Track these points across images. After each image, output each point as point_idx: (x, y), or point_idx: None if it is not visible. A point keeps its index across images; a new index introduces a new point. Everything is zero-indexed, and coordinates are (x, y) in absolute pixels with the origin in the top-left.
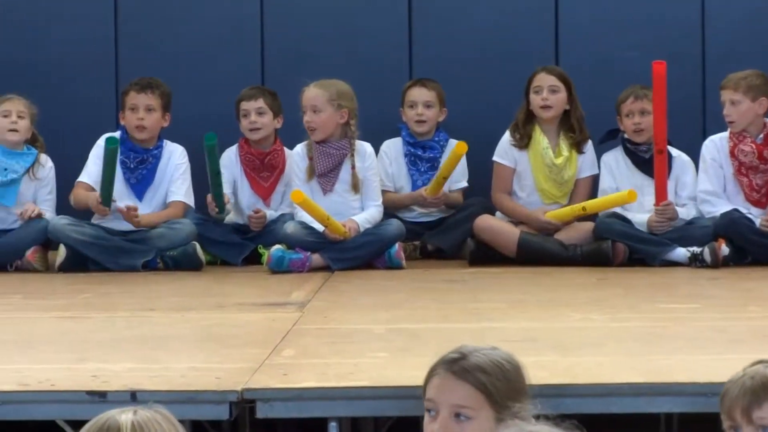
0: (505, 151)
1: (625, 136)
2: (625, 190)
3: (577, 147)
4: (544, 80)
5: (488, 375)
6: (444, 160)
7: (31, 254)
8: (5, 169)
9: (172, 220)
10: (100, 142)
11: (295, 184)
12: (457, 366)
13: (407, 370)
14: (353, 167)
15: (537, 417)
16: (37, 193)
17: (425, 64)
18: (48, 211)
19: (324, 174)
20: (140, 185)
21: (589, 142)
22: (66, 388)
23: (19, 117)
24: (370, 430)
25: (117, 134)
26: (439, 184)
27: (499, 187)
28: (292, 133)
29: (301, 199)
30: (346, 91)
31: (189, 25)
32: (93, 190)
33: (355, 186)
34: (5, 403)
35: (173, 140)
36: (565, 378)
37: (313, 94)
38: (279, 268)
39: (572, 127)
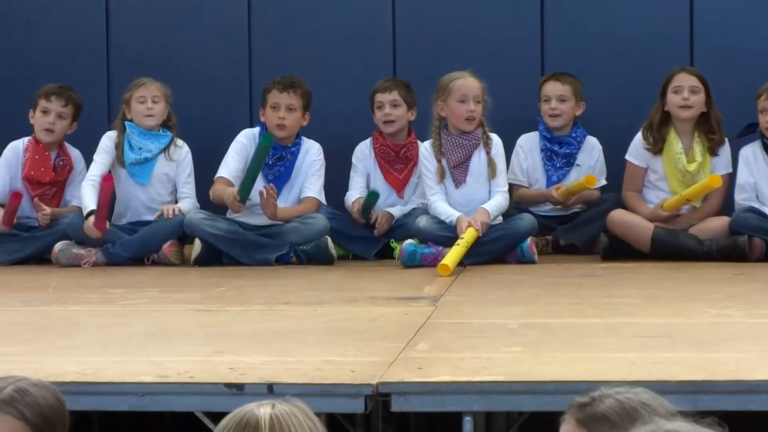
0: (637, 152)
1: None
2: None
3: (712, 150)
4: (685, 80)
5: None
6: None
7: (167, 248)
8: (140, 149)
9: (305, 215)
10: (240, 138)
11: (426, 185)
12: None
13: (542, 365)
14: (488, 153)
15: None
16: (177, 178)
17: (558, 57)
18: (188, 196)
19: (457, 165)
20: (277, 181)
21: (726, 143)
22: (204, 380)
23: (154, 102)
24: (502, 425)
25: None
26: (567, 194)
27: (629, 186)
28: (426, 125)
29: (449, 272)
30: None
31: (321, 19)
32: (232, 184)
33: (491, 172)
34: (146, 394)
35: (307, 134)
36: (702, 374)
37: (476, 84)
38: (411, 262)
39: (711, 129)
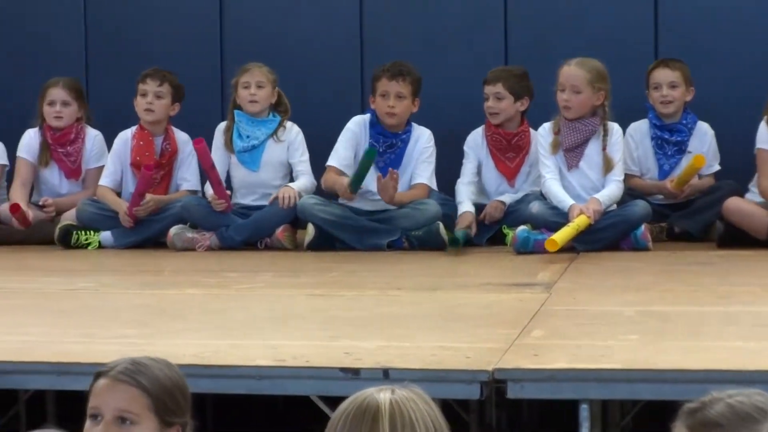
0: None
1: None
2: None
3: None
4: None
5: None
6: (684, 165)
7: (280, 232)
8: (248, 137)
9: (417, 200)
10: (350, 126)
11: (541, 162)
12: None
13: (660, 353)
14: (604, 148)
15: None
16: (290, 157)
17: (671, 44)
18: (304, 172)
19: (570, 149)
20: (388, 168)
21: None
22: (320, 364)
23: (259, 87)
24: (617, 413)
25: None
26: (680, 184)
27: (766, 174)
28: (536, 112)
29: (557, 247)
30: (604, 73)
31: (433, 6)
32: (342, 173)
33: (605, 166)
34: (263, 377)
35: (417, 120)
36: None
37: (574, 73)
38: (524, 248)
39: None
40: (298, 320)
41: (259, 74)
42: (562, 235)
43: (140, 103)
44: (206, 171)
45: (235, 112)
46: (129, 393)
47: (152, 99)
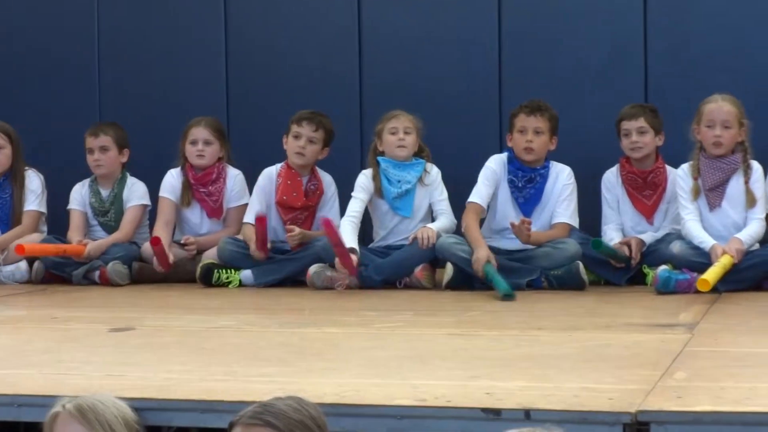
0: None
1: None
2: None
3: None
4: None
5: None
6: None
7: (419, 272)
8: (398, 181)
9: (556, 239)
10: (490, 164)
11: (681, 204)
12: None
13: None
14: (746, 182)
15: None
16: (432, 198)
17: None
18: (444, 212)
19: (712, 188)
20: (528, 204)
21: None
22: (461, 404)
23: (406, 133)
24: None
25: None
26: None
27: None
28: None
29: (709, 287)
30: (743, 108)
31: (570, 41)
32: (484, 210)
33: (748, 203)
34: (404, 417)
35: (554, 158)
36: None
37: (726, 108)
38: (665, 288)
39: None
40: (438, 359)
41: (406, 120)
42: (712, 275)
43: (292, 145)
44: (334, 246)
45: (379, 159)
46: None
47: (305, 144)
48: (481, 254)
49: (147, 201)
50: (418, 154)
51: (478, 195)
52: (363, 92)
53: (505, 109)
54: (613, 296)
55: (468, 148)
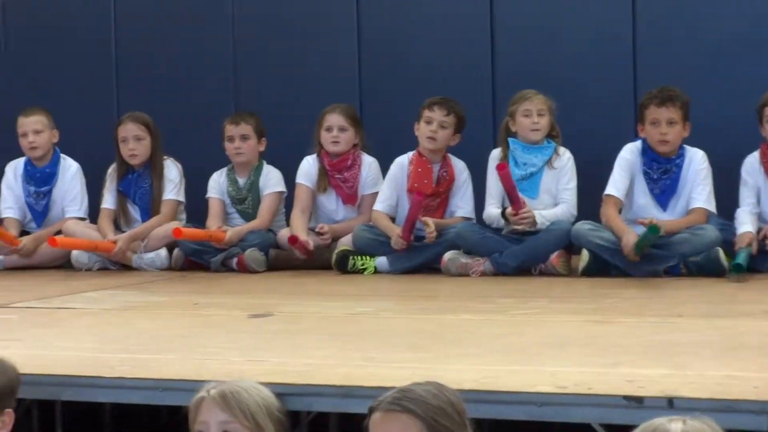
0: None
1: None
2: None
3: None
4: None
5: None
6: None
7: (555, 258)
8: (524, 164)
9: (695, 225)
10: (624, 154)
11: None
12: None
13: None
14: None
15: None
16: (558, 184)
17: None
18: (565, 201)
19: None
20: (664, 195)
21: None
22: (602, 392)
23: (539, 115)
24: None
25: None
26: None
27: None
28: None
29: None
30: None
31: (708, 26)
32: (621, 202)
33: None
34: (544, 404)
35: (687, 143)
36: None
37: None
38: None
39: None
40: (575, 347)
41: (539, 102)
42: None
43: (423, 130)
44: (508, 192)
45: (510, 140)
46: (401, 421)
47: (436, 128)
48: (631, 238)
49: (283, 188)
50: (549, 134)
51: (615, 187)
52: (495, 80)
53: (640, 95)
54: (754, 283)
55: (601, 136)
